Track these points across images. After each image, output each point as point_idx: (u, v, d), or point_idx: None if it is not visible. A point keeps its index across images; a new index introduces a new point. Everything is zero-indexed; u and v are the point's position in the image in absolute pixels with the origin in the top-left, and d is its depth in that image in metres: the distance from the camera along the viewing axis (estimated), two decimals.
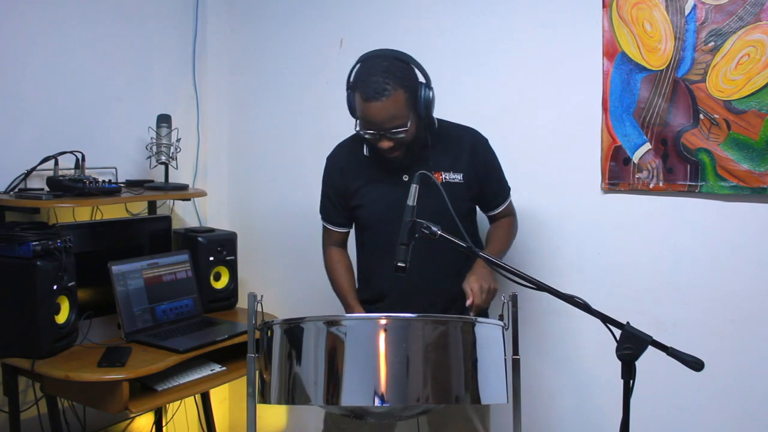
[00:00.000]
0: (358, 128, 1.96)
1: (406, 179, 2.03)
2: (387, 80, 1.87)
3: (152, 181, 2.76)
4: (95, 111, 2.71)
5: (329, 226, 2.21)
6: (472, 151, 2.08)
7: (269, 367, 1.56)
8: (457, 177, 2.05)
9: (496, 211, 2.17)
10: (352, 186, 2.11)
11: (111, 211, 2.71)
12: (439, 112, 2.07)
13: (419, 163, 2.00)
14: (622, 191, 2.20)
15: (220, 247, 2.76)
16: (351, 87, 1.96)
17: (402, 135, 1.93)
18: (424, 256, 1.89)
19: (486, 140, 2.15)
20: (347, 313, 2.08)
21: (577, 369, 2.31)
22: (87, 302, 2.36)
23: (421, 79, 1.98)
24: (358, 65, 1.97)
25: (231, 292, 2.81)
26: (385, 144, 1.94)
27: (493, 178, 2.11)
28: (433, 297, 2.05)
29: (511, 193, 2.18)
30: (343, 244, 2.23)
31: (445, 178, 2.03)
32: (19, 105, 2.46)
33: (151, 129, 2.69)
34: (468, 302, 1.89)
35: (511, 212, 2.22)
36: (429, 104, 1.98)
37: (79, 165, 2.46)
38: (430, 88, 1.98)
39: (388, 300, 2.10)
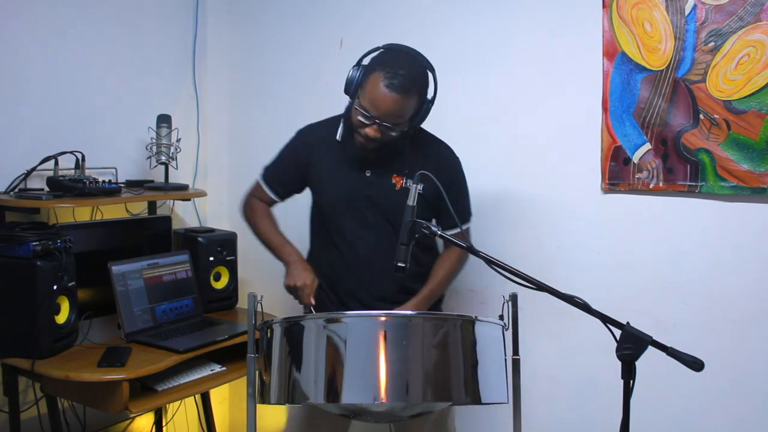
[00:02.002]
0: (356, 105, 1.94)
1: (369, 175, 2.07)
2: (414, 81, 1.90)
3: (152, 181, 2.76)
4: (95, 111, 2.71)
5: (266, 189, 2.21)
6: (438, 167, 1.96)
7: (269, 367, 1.56)
8: (420, 187, 1.86)
9: (448, 233, 1.88)
10: (315, 167, 2.12)
11: (111, 211, 2.70)
12: (439, 112, 2.08)
13: (385, 163, 2.04)
14: (622, 191, 2.20)
15: (220, 247, 2.76)
16: (371, 65, 1.94)
17: (393, 133, 1.94)
18: (375, 245, 2.01)
19: (458, 161, 2.14)
20: (280, 253, 2.12)
21: (577, 369, 2.31)
22: (87, 302, 2.35)
23: (430, 94, 2.00)
24: (382, 50, 1.97)
25: (231, 292, 2.81)
26: (373, 133, 1.94)
27: (452, 198, 1.82)
28: (384, 286, 2.07)
29: (512, 192, 2.18)
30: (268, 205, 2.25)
31: (405, 184, 2.04)
32: (19, 105, 2.46)
33: (151, 129, 2.69)
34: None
35: (463, 241, 2.17)
36: (424, 118, 2.02)
37: (79, 165, 2.45)
38: (432, 104, 2.00)
39: (343, 287, 2.11)
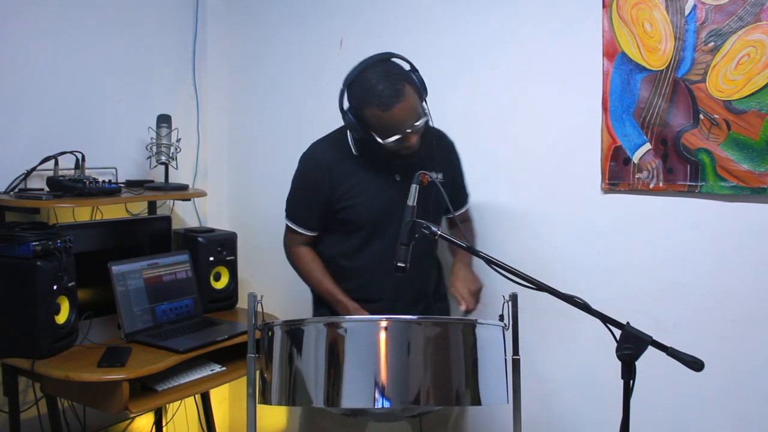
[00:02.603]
0: (380, 140, 1.92)
1: (399, 179, 2.04)
2: (394, 81, 1.89)
3: (152, 181, 2.76)
4: (95, 111, 2.70)
5: (299, 229, 2.14)
6: (448, 152, 2.17)
7: (270, 367, 1.57)
8: (440, 176, 2.07)
9: (458, 213, 2.22)
10: (342, 187, 2.06)
11: (111, 211, 2.70)
12: (439, 112, 2.08)
13: (410, 164, 2.00)
14: (622, 191, 2.20)
15: (220, 247, 2.76)
16: (357, 107, 1.93)
17: (422, 124, 1.94)
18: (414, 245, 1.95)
19: (453, 143, 2.24)
20: (339, 308, 2.06)
21: (577, 369, 2.31)
22: (87, 302, 2.35)
23: (407, 66, 1.99)
24: (348, 88, 1.95)
25: (231, 292, 2.81)
26: (413, 140, 1.94)
27: (458, 181, 2.19)
28: (421, 286, 2.10)
29: (512, 193, 2.21)
30: (309, 245, 2.17)
31: (431, 178, 2.03)
32: (19, 105, 2.46)
33: (151, 129, 2.69)
34: (462, 308, 1.97)
35: (469, 217, 2.32)
36: (425, 86, 2.00)
37: (79, 165, 2.45)
38: (418, 71, 2.00)
39: (384, 302, 2.08)
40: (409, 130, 1.90)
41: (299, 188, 2.14)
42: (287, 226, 2.18)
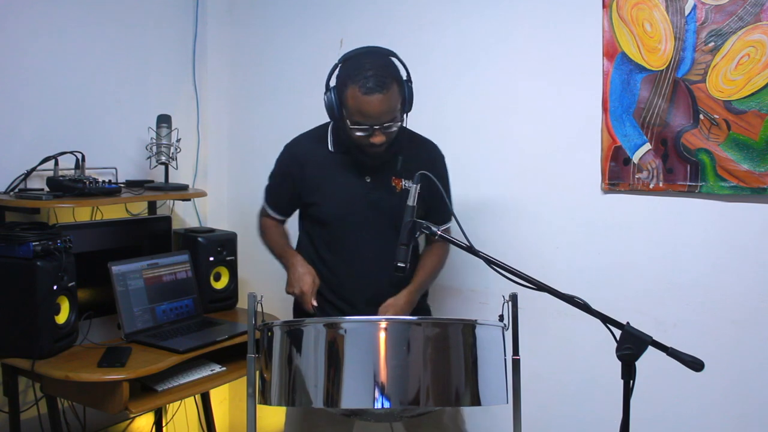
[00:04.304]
0: (349, 125, 1.94)
1: (369, 180, 2.07)
2: (384, 74, 1.90)
3: (152, 182, 2.76)
4: (95, 111, 2.71)
5: (271, 212, 2.24)
6: (430, 164, 2.01)
7: (269, 367, 1.56)
8: (417, 187, 1.97)
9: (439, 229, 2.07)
10: (311, 181, 2.10)
11: (111, 211, 2.70)
12: (439, 112, 2.08)
13: (383, 167, 2.03)
14: (622, 191, 2.20)
15: (220, 248, 2.76)
16: (341, 83, 1.94)
17: (394, 129, 1.94)
18: (381, 249, 1.99)
19: (443, 157, 2.19)
20: (289, 272, 2.10)
21: (577, 369, 2.31)
22: (87, 302, 2.36)
23: (404, 75, 1.99)
24: (341, 65, 1.97)
25: (231, 292, 2.81)
26: (378, 139, 1.94)
27: (437, 196, 1.85)
28: (387, 290, 2.06)
29: (512, 192, 2.18)
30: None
31: (404, 185, 2.02)
32: (19, 105, 2.46)
33: (151, 129, 2.69)
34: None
35: (446, 238, 2.19)
36: (412, 100, 2.00)
37: (79, 165, 2.45)
38: (411, 84, 2.00)
39: (343, 294, 2.10)
40: (377, 126, 1.91)
41: (275, 174, 2.21)
42: (262, 206, 2.27)
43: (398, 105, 1.94)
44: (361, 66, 1.90)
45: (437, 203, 2.02)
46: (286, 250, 2.18)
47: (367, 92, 1.87)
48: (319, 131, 2.15)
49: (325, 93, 1.98)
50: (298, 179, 2.12)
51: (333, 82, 1.99)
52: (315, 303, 2.03)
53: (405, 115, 2.00)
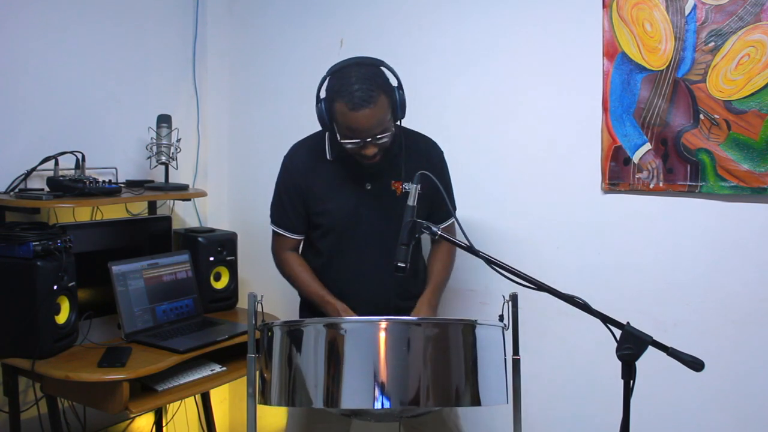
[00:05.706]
0: (339, 138, 1.93)
1: (369, 188, 2.06)
2: (371, 87, 1.87)
3: (152, 182, 2.76)
4: (95, 111, 2.70)
5: (285, 233, 2.14)
6: (429, 162, 2.04)
7: (269, 367, 1.57)
8: (417, 187, 1.96)
9: (441, 227, 2.00)
10: (316, 190, 2.08)
11: (111, 211, 2.70)
12: (439, 112, 2.08)
13: (383, 173, 2.03)
14: (622, 191, 2.20)
15: (220, 247, 2.76)
16: (329, 98, 1.93)
17: (386, 140, 1.94)
18: (385, 254, 1.89)
19: (442, 153, 2.17)
20: (328, 308, 2.05)
21: (577, 369, 2.31)
22: (87, 302, 2.35)
23: (394, 82, 1.97)
24: (329, 78, 1.96)
25: (231, 292, 2.81)
26: (371, 151, 1.93)
27: (438, 194, 1.80)
28: (392, 294, 2.06)
29: (512, 192, 2.17)
30: (297, 250, 2.19)
31: (404, 188, 2.02)
32: (19, 105, 2.46)
33: (151, 129, 2.69)
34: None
35: (450, 237, 2.17)
36: (404, 107, 1.99)
37: (79, 165, 2.45)
38: (402, 90, 1.98)
39: (348, 301, 2.07)
40: (368, 139, 1.90)
41: (281, 192, 2.15)
42: (273, 231, 2.17)
43: (388, 115, 1.92)
44: (348, 80, 1.88)
45: (439, 200, 2.00)
46: (325, 295, 2.07)
47: (354, 108, 1.86)
48: (315, 139, 2.14)
49: (317, 104, 1.98)
50: (303, 189, 2.09)
51: (323, 94, 1.97)
52: None
53: (399, 121, 1.99)
